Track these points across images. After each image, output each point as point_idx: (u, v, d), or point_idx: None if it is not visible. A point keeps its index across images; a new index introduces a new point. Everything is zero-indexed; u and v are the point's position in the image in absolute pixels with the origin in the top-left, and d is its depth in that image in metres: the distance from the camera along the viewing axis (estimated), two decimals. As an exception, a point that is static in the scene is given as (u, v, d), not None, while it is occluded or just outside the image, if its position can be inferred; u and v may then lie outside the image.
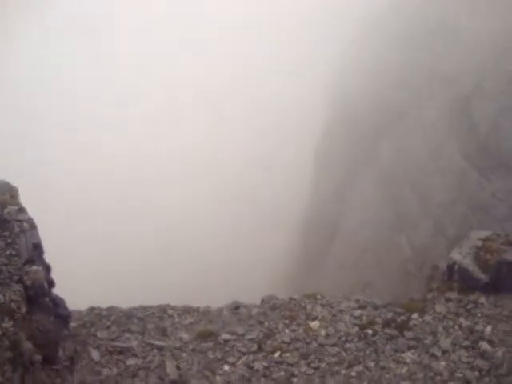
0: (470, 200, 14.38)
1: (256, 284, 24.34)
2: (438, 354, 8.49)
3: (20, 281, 6.57)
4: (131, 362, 7.87)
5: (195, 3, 37.53)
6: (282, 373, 7.71)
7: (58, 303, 7.70)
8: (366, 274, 17.34)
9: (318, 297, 9.23)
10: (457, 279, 8.51)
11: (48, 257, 7.68)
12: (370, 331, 8.26)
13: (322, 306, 9.02)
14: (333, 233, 20.58)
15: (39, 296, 6.90)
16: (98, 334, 8.35)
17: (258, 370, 7.78)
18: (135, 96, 34.94)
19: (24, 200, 7.63)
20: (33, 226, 7.12)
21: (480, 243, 9.43)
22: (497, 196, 13.90)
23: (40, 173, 29.91)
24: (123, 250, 27.25)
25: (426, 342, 8.60)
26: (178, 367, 7.91)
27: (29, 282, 6.75)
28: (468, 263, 8.34)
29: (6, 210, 7.11)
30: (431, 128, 16.70)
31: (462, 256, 8.46)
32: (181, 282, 25.63)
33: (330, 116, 23.72)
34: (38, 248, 7.27)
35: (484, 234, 9.75)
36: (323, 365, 7.79)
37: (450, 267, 8.57)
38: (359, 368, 7.75)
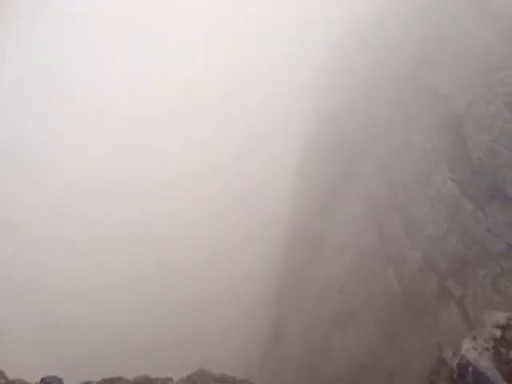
0: (463, 233, 11.79)
1: (235, 304, 22.35)
2: None
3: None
4: None
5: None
6: None
7: None
8: (351, 303, 14.75)
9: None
10: (472, 382, 5.96)
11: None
12: None
13: None
14: (317, 251, 17.98)
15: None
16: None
17: None
18: (131, 95, 31.70)
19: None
20: None
21: (498, 333, 7.16)
22: (493, 231, 11.26)
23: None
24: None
25: None
26: None
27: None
28: (486, 366, 5.80)
29: None
30: (419, 149, 14.02)
31: (477, 353, 5.93)
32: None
33: (315, 130, 21.08)
34: None
35: (503, 316, 7.35)
36: None
37: (463, 367, 6.05)
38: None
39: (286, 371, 18.22)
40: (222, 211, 26.56)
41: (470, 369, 5.81)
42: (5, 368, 7.59)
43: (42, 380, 7.55)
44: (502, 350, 5.93)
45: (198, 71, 31.84)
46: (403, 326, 14.05)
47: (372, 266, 15.26)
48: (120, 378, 7.61)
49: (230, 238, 24.12)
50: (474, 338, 6.08)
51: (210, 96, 28.26)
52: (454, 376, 5.94)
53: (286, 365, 18.28)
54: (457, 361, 5.92)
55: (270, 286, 21.17)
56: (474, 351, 5.91)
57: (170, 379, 7.66)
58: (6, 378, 7.44)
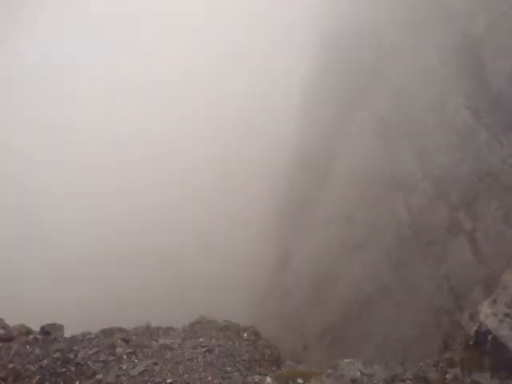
0: (476, 164, 10.99)
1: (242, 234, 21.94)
2: None
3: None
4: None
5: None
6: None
7: None
8: (357, 234, 14.20)
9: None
10: (489, 352, 5.41)
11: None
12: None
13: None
14: (322, 179, 17.23)
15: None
16: None
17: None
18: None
19: None
20: None
21: (522, 296, 6.34)
22: (508, 162, 10.43)
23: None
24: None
25: None
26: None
27: None
28: (507, 335, 5.18)
29: None
30: (433, 73, 12.88)
31: (497, 320, 5.31)
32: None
33: (320, 55, 19.62)
34: None
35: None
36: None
37: (481, 335, 5.45)
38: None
39: (292, 300, 18.16)
40: (226, 132, 25.59)
41: (489, 338, 5.26)
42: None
43: (42, 328, 7.18)
44: (526, 316, 5.34)
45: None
46: (411, 257, 13.62)
47: (380, 194, 14.61)
48: (120, 329, 7.24)
49: (234, 161, 23.39)
50: (494, 302, 5.48)
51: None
52: (471, 342, 5.41)
53: (292, 294, 18.20)
54: (475, 327, 5.38)
55: (276, 213, 20.72)
56: (494, 318, 5.33)
57: (171, 328, 7.30)
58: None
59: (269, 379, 5.58)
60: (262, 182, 22.58)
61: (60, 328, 7.51)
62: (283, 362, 7.03)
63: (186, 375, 6.43)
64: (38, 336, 7.06)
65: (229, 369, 6.63)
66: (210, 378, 6.38)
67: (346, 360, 5.75)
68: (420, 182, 12.76)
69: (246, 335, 7.36)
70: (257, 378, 5.84)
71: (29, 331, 7.25)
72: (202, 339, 7.03)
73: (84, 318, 17.22)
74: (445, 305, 12.22)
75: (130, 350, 6.78)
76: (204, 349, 6.90)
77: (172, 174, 24.81)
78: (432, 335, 12.33)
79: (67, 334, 7.34)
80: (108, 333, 7.26)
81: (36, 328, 7.41)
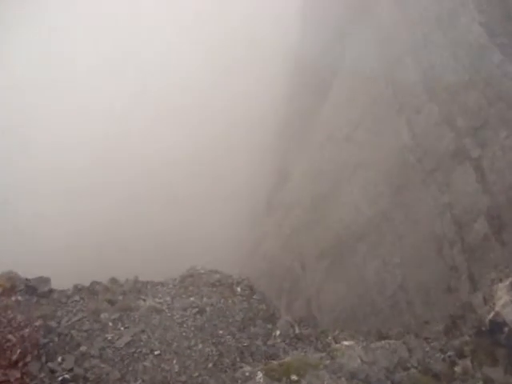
0: (487, 87, 9.93)
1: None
2: None
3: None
4: None
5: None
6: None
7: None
8: (357, 155, 13.27)
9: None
10: (504, 344, 4.64)
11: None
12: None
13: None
14: (322, 98, 15.93)
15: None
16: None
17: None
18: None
19: None
20: None
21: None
22: (523, 86, 9.39)
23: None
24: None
25: None
26: None
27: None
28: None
29: None
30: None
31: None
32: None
33: None
34: None
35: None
36: None
37: (496, 325, 4.65)
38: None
39: (291, 218, 17.61)
40: (228, 43, 23.72)
41: (506, 330, 4.54)
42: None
43: (27, 282, 6.56)
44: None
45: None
46: (413, 181, 12.81)
47: (382, 115, 13.53)
48: (106, 288, 6.62)
49: (235, 74, 21.87)
50: (510, 286, 4.68)
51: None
52: (483, 329, 4.72)
53: (291, 211, 17.60)
54: (489, 316, 4.65)
55: (277, 124, 19.60)
56: (510, 308, 4.55)
57: (160, 284, 6.69)
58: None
59: (260, 374, 5.00)
60: (262, 92, 21.29)
61: (47, 281, 6.91)
62: (278, 318, 6.51)
63: (175, 344, 5.93)
64: (19, 297, 6.48)
65: (221, 332, 6.12)
66: (200, 345, 5.89)
67: (345, 342, 5.11)
68: (425, 104, 11.65)
69: (239, 290, 6.78)
70: (247, 371, 5.26)
71: (13, 286, 6.65)
72: (192, 298, 6.46)
73: (71, 267, 16.81)
74: (447, 233, 11.65)
75: (116, 316, 6.23)
76: (195, 310, 6.35)
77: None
78: (432, 262, 11.89)
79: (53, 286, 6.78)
80: (93, 292, 6.65)
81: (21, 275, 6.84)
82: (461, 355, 4.69)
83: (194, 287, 6.61)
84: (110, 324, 6.01)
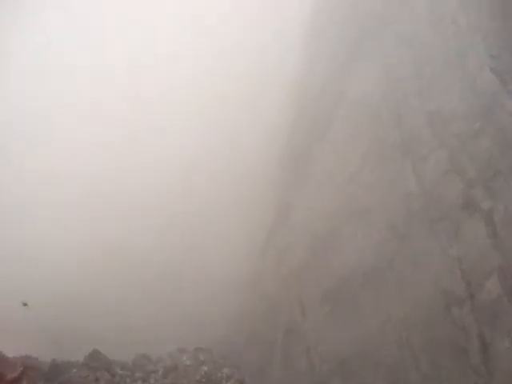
0: (499, 135, 9.31)
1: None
2: None
3: None
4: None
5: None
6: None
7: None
8: (360, 198, 12.63)
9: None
10: None
11: None
12: None
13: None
14: (324, 130, 15.39)
15: None
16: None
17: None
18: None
19: None
20: None
21: None
22: (537, 136, 8.75)
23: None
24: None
25: None
26: None
27: None
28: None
29: None
30: (450, 22, 10.75)
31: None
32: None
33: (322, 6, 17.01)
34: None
35: None
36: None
37: None
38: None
39: (291, 258, 16.89)
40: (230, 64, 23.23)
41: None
42: None
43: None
44: None
45: None
46: (418, 230, 12.12)
47: (387, 158, 12.90)
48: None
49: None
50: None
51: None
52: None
53: (291, 251, 16.92)
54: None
55: (277, 161, 19.05)
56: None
57: (141, 379, 6.00)
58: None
59: None
60: (262, 124, 20.72)
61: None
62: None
63: None
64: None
65: None
66: None
67: None
68: (432, 150, 11.01)
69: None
70: None
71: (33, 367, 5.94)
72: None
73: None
74: (455, 290, 10.89)
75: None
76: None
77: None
78: (440, 319, 11.12)
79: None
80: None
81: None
82: None
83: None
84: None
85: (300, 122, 18.86)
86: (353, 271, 13.46)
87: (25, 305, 13.13)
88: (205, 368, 6.01)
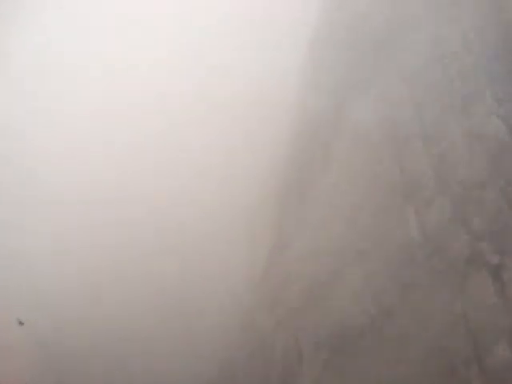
0: (507, 186, 8.56)
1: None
2: None
3: None
4: None
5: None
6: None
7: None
8: (359, 241, 11.96)
9: None
10: None
11: None
12: None
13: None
14: (323, 164, 14.74)
15: None
16: None
17: None
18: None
19: None
20: None
21: None
22: (548, 190, 8.10)
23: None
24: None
25: None
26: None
27: None
28: None
29: None
30: (454, 60, 10.14)
31: None
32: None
33: (325, 20, 16.40)
34: None
35: None
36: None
37: None
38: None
39: (287, 297, 16.15)
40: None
41: None
42: None
43: None
44: None
45: None
46: (421, 280, 11.44)
47: (388, 200, 12.23)
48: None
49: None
50: None
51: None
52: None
53: (287, 289, 16.19)
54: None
55: (275, 195, 18.39)
56: None
57: None
58: None
59: None
60: (260, 152, 20.13)
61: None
62: None
63: None
64: None
65: None
66: None
67: None
68: (436, 197, 10.34)
69: None
70: None
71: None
72: None
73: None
74: (461, 350, 10.17)
75: None
76: None
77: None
78: (444, 381, 10.37)
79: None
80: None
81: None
82: None
83: None
84: None
85: (298, 154, 18.31)
86: (351, 319, 12.73)
87: (21, 324, 12.44)
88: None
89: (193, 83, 20.65)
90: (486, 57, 9.01)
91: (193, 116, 19.18)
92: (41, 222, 20.36)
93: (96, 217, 19.67)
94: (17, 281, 17.54)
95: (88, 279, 18.47)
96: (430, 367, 9.66)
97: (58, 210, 20.94)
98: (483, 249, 8.77)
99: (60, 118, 23.97)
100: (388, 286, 11.00)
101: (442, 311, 9.64)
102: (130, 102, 24.15)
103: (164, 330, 16.77)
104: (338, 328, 12.47)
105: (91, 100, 23.75)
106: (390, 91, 11.71)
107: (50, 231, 20.77)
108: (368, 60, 12.77)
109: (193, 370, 16.09)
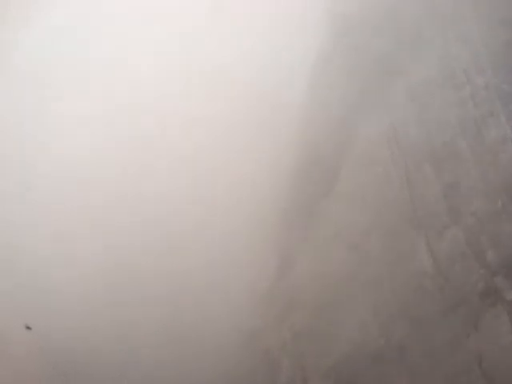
0: (524, 218, 7.59)
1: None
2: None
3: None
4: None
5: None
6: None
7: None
8: (367, 266, 11.11)
9: None
10: None
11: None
12: None
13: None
14: (330, 183, 13.84)
15: None
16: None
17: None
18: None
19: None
20: None
21: None
22: None
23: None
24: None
25: None
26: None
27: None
28: None
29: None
30: (465, 82, 9.07)
31: None
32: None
33: (328, 41, 15.35)
34: None
35: None
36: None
37: None
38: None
39: (292, 320, 15.46)
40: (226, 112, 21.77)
41: None
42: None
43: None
44: None
45: None
46: (432, 314, 10.64)
47: (398, 226, 11.26)
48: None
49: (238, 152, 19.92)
50: None
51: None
52: None
53: (292, 311, 15.48)
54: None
55: (278, 214, 17.69)
56: None
57: None
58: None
59: None
60: (264, 175, 19.28)
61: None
62: None
63: None
64: None
65: None
66: None
67: None
68: (448, 227, 9.50)
69: None
70: None
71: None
72: None
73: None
74: (475, 391, 9.60)
75: None
76: None
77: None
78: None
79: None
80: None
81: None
82: None
83: None
84: None
85: (304, 170, 17.19)
86: (357, 349, 11.87)
87: (28, 328, 10.52)
88: None
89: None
90: (498, 78, 8.24)
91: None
92: (49, 224, 19.51)
93: (105, 220, 18.74)
94: (24, 285, 16.76)
95: (98, 283, 17.62)
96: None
97: (65, 212, 20.06)
98: (498, 284, 8.02)
99: (67, 114, 22.88)
100: (397, 317, 10.23)
101: (456, 348, 8.90)
102: (131, 102, 23.08)
103: (170, 338, 15.92)
104: (345, 358, 11.72)
105: (94, 100, 22.65)
106: (398, 111, 10.89)
107: (59, 233, 19.86)
108: (375, 80, 11.90)
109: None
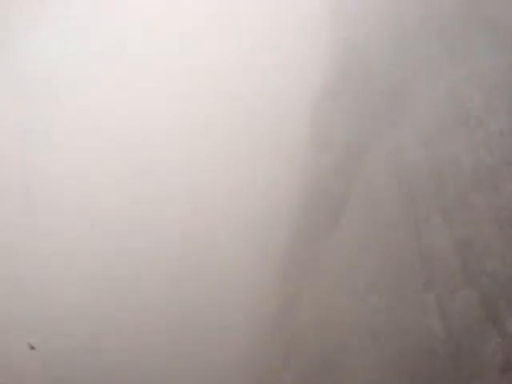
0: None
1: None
2: None
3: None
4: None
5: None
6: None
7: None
8: (372, 322, 10.45)
9: None
10: None
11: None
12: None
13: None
14: (334, 221, 13.28)
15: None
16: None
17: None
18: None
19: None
20: None
21: None
22: None
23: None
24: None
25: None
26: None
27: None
28: None
29: None
30: (476, 122, 8.74)
31: None
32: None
33: (333, 72, 15.32)
34: None
35: None
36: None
37: None
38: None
39: (296, 362, 14.50)
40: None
41: None
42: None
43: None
44: None
45: None
46: (443, 380, 9.78)
47: (406, 280, 10.64)
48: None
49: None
50: None
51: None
52: None
53: (295, 355, 14.53)
54: None
55: (281, 251, 17.08)
56: None
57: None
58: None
59: None
60: (267, 208, 18.85)
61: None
62: None
63: None
64: None
65: None
66: None
67: None
68: (461, 288, 8.74)
69: None
70: None
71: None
72: None
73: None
74: None
75: None
76: None
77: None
78: None
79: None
80: None
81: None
82: None
83: None
84: None
85: (307, 206, 16.95)
86: None
87: (32, 348, 11.89)
88: None
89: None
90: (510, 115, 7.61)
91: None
92: (49, 224, 19.00)
93: (105, 220, 18.39)
94: (28, 305, 16.42)
95: (102, 305, 17.24)
96: None
97: (65, 212, 19.62)
98: (517, 354, 7.18)
99: (69, 115, 22.60)
100: (405, 379, 9.40)
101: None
102: (133, 101, 22.81)
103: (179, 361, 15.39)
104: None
105: (97, 100, 22.53)
106: (406, 154, 10.26)
107: (59, 233, 19.35)
108: (383, 111, 11.29)
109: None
